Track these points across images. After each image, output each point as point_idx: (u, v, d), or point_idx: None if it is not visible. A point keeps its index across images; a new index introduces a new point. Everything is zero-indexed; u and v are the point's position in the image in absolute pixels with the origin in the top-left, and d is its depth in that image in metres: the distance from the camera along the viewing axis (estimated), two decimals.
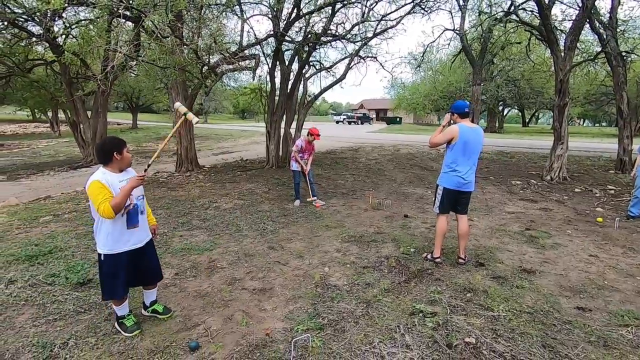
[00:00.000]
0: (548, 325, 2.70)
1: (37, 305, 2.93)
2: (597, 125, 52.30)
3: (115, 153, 2.47)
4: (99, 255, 2.49)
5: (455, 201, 3.72)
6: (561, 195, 7.17)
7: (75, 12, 9.19)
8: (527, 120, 43.47)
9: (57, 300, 3.00)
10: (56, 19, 8.61)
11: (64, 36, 9.48)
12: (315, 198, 6.26)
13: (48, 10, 5.66)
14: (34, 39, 9.80)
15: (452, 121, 3.66)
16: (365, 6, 8.88)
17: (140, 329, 2.60)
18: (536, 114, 47.90)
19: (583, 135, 26.04)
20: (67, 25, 9.16)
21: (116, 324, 2.62)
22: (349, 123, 44.77)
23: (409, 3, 9.59)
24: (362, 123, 45.25)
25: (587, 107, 30.76)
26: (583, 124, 59.05)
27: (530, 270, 3.65)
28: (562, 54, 8.33)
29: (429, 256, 3.88)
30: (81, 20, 9.13)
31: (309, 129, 6.24)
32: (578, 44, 11.11)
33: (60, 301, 2.99)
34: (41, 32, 8.47)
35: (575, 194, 7.32)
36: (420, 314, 2.81)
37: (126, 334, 2.54)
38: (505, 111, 38.24)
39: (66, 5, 5.26)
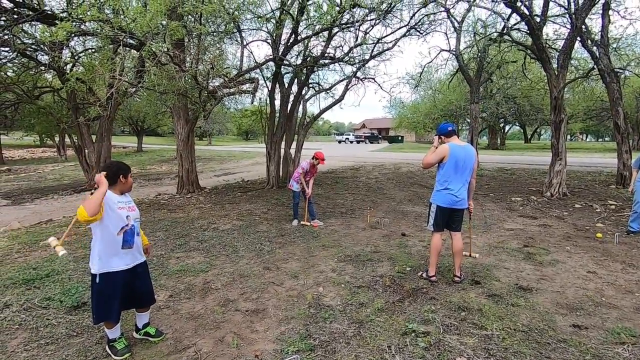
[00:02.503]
0: (542, 344, 2.66)
1: (30, 329, 2.94)
2: (600, 140, 52.26)
3: (121, 176, 2.58)
4: (93, 276, 2.51)
5: (448, 218, 3.74)
6: (561, 211, 7.13)
7: (82, 41, 9.56)
8: (529, 137, 43.61)
9: (51, 324, 3.01)
10: (63, 48, 8.95)
11: (70, 65, 9.81)
12: (310, 223, 6.21)
13: (56, 41, 5.93)
14: (42, 67, 10.16)
15: (441, 142, 3.74)
16: (359, 30, 9.14)
17: (130, 352, 2.59)
18: (538, 130, 48.07)
19: (585, 150, 26.04)
20: (74, 53, 9.50)
21: (107, 347, 2.61)
22: (357, 142, 45.19)
23: (404, 26, 9.88)
24: (370, 142, 45.70)
25: (588, 122, 30.88)
26: (586, 139, 59.06)
27: (527, 288, 3.61)
28: (555, 72, 8.46)
29: (424, 274, 3.86)
30: (87, 49, 9.48)
31: (314, 153, 6.28)
32: (573, 61, 11.32)
33: (54, 325, 3.00)
34: (48, 61, 8.81)
35: (575, 210, 7.27)
36: (413, 334, 2.78)
37: (116, 358, 2.53)
38: (507, 128, 38.44)
39: (69, 37, 5.49)
